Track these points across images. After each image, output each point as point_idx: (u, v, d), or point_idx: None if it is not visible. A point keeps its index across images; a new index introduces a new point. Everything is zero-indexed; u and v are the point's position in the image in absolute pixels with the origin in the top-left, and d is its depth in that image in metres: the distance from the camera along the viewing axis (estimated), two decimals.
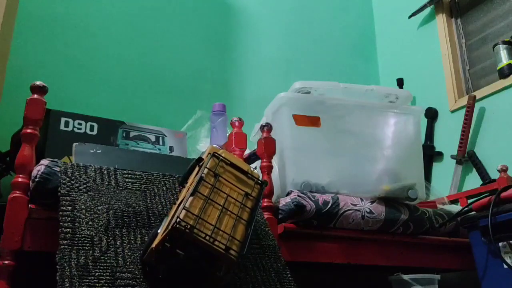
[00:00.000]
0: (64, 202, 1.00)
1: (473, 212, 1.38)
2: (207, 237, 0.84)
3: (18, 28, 1.78)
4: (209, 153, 1.01)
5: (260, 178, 1.04)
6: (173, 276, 0.90)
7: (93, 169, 1.12)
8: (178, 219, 0.83)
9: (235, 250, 0.86)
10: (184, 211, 0.85)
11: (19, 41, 1.87)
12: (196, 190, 0.90)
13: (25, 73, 1.86)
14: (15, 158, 1.09)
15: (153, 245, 0.87)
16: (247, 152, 1.44)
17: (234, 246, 0.86)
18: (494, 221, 1.27)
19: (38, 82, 1.14)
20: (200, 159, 1.03)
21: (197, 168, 1.03)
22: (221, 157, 1.00)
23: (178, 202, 0.96)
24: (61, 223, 0.95)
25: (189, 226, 0.83)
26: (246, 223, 0.93)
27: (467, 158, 2.19)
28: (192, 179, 1.00)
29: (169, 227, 0.84)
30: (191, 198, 0.88)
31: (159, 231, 0.89)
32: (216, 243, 0.84)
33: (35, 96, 1.13)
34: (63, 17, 2.05)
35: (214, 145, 1.08)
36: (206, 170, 0.95)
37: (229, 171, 1.00)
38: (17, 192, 1.06)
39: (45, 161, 1.10)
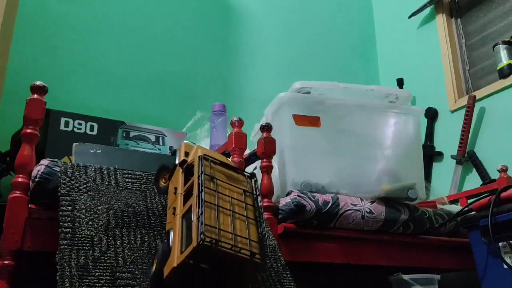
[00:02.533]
0: (64, 202, 1.00)
1: (473, 212, 1.38)
2: (233, 248, 0.82)
3: (18, 28, 1.78)
4: (198, 156, 0.96)
5: (246, 171, 1.01)
6: None
7: (93, 169, 1.12)
8: (203, 236, 0.80)
9: (258, 252, 0.85)
10: (204, 226, 0.82)
11: (19, 41, 1.86)
12: (204, 200, 0.86)
13: (25, 73, 1.86)
14: (15, 158, 1.10)
15: (175, 264, 0.83)
16: (247, 152, 1.43)
17: (255, 249, 0.85)
18: (494, 221, 1.27)
19: (38, 82, 1.14)
20: (184, 162, 0.98)
21: (180, 172, 0.99)
22: (210, 158, 0.96)
23: (178, 212, 0.92)
24: (61, 223, 0.95)
25: (214, 241, 0.81)
26: (255, 221, 0.90)
27: (467, 158, 2.18)
28: (187, 186, 0.95)
29: (195, 244, 0.80)
30: (206, 210, 0.85)
31: (170, 245, 0.87)
32: (242, 251, 0.83)
33: (35, 96, 1.12)
34: (63, 17, 2.05)
35: (197, 144, 1.05)
36: (203, 176, 0.90)
37: (219, 170, 0.96)
38: (17, 192, 1.06)
39: (45, 161, 1.10)
